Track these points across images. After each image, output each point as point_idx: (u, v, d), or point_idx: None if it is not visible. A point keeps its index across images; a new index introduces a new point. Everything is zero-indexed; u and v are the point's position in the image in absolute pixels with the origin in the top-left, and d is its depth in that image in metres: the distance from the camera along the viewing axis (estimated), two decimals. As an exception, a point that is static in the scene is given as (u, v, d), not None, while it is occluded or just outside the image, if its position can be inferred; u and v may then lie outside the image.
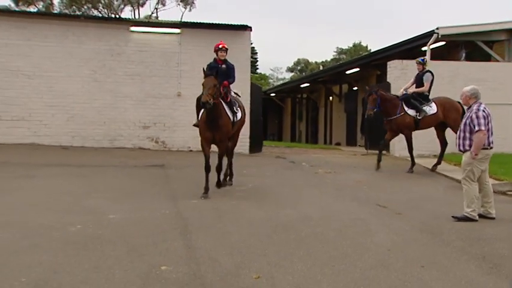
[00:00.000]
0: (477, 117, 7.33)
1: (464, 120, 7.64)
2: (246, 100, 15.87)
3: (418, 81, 12.68)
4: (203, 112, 8.91)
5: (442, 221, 7.51)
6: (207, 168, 8.94)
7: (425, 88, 12.51)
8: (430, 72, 12.70)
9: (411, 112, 12.38)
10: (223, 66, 9.50)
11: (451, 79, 16.13)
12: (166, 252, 5.64)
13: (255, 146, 16.48)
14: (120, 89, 15.32)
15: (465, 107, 7.89)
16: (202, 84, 8.47)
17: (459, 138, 7.63)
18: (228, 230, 6.66)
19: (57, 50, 14.96)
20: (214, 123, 8.84)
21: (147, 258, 5.40)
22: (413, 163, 12.71)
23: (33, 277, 4.74)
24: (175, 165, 12.32)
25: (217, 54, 9.66)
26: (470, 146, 7.41)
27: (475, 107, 7.50)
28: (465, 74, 16.25)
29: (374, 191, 10.09)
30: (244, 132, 15.71)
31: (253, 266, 5.26)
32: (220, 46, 9.64)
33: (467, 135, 7.46)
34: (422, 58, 13.06)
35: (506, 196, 10.09)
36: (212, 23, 15.72)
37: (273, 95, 38.17)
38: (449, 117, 12.65)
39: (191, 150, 15.02)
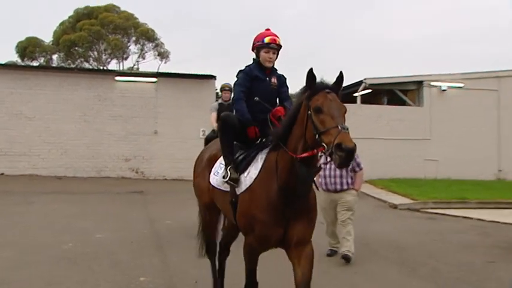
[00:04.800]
0: (357, 156, 5.88)
1: None
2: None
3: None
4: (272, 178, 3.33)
5: (370, 233, 7.68)
6: None
7: None
8: None
9: None
10: (273, 80, 3.97)
11: (376, 119, 16.59)
12: (144, 266, 5.58)
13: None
14: (105, 128, 15.10)
15: None
16: (319, 108, 3.00)
17: (335, 177, 6.16)
18: (195, 246, 6.60)
19: (54, 97, 14.70)
20: (296, 201, 3.29)
21: (128, 271, 5.33)
22: None
23: (30, 290, 4.63)
24: (152, 191, 12.17)
25: (258, 55, 3.91)
26: (352, 184, 6.23)
27: None
28: (387, 115, 16.75)
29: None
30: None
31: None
32: (267, 39, 3.83)
33: (349, 173, 6.18)
34: (228, 83, 8.19)
35: (419, 213, 10.44)
36: (183, 73, 15.78)
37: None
38: None
39: (166, 179, 14.90)
